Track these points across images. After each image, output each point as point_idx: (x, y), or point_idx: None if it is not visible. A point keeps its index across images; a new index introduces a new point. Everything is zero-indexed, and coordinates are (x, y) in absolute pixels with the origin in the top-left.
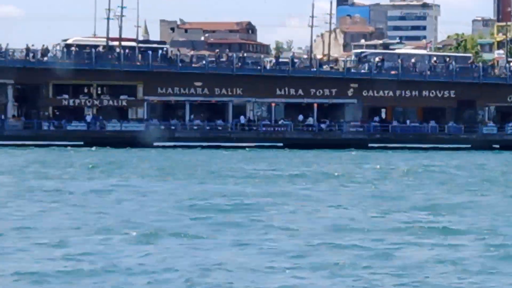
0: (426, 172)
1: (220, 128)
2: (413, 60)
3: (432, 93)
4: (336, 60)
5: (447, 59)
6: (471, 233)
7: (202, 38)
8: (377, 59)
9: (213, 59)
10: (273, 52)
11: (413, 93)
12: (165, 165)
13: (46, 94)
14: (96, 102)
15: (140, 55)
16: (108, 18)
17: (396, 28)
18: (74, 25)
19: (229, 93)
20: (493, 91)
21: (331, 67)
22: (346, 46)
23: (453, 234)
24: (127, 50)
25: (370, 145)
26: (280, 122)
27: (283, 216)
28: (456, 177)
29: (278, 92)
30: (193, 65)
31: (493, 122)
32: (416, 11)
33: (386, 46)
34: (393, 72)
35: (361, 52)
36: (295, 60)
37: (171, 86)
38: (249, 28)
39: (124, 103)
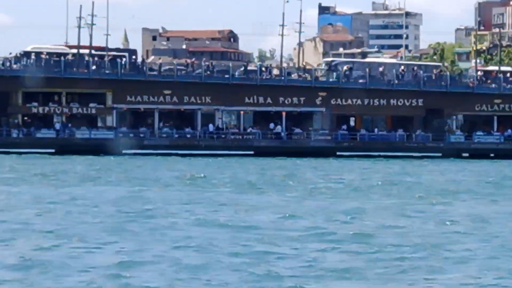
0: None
1: (188, 136)
2: (380, 69)
3: (400, 101)
4: (304, 69)
5: (415, 68)
6: None
7: (184, 47)
8: (345, 67)
9: (183, 67)
10: (256, 60)
11: (381, 101)
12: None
13: (16, 102)
14: (66, 110)
15: (109, 63)
16: (79, 27)
17: (379, 36)
18: (47, 34)
19: (198, 101)
20: (460, 100)
21: (299, 75)
22: (325, 55)
23: None
24: (96, 58)
25: (338, 153)
26: (248, 130)
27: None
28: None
29: (247, 100)
30: (161, 73)
31: (461, 131)
32: (398, 20)
33: (364, 55)
34: (361, 81)
35: (332, 61)
36: (263, 69)
37: (140, 94)
38: (231, 37)
39: (93, 111)
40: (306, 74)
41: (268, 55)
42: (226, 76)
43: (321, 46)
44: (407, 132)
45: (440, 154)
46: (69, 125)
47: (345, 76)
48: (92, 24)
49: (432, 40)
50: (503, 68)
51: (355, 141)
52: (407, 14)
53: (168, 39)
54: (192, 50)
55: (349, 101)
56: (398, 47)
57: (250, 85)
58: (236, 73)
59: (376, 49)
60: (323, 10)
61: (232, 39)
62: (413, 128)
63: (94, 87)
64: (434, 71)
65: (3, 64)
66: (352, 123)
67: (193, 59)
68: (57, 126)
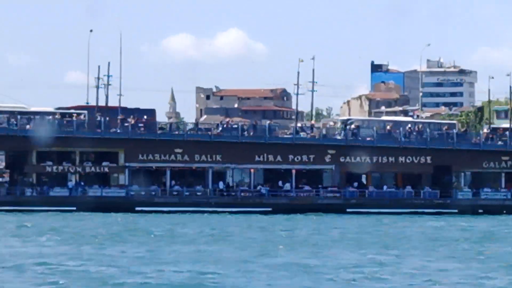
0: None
1: (199, 193)
2: (388, 127)
3: (409, 159)
4: (312, 126)
5: (420, 126)
6: None
7: (236, 105)
8: (352, 126)
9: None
10: (305, 118)
11: (390, 159)
12: None
13: (30, 161)
14: (79, 169)
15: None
16: (97, 87)
17: (433, 94)
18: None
19: (209, 160)
20: (468, 157)
21: (307, 134)
22: (371, 113)
23: None
24: (107, 118)
25: (348, 210)
26: (258, 188)
27: None
28: None
29: (257, 158)
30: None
31: (469, 188)
32: (453, 77)
33: (406, 112)
34: (368, 139)
35: (347, 119)
36: (272, 127)
37: (151, 152)
38: (284, 95)
39: (106, 169)
40: (315, 132)
41: (324, 113)
42: (235, 134)
43: (367, 104)
44: (416, 189)
45: (449, 210)
46: (82, 183)
47: (353, 134)
48: (108, 84)
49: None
50: None
51: (363, 197)
52: (462, 71)
53: (221, 98)
54: (244, 109)
55: (358, 159)
56: (453, 104)
57: (259, 143)
58: (245, 133)
59: (417, 107)
60: (375, 68)
61: (285, 98)
62: (421, 185)
63: (106, 146)
64: (444, 128)
65: (16, 124)
66: (364, 180)
67: (228, 119)
68: (70, 184)
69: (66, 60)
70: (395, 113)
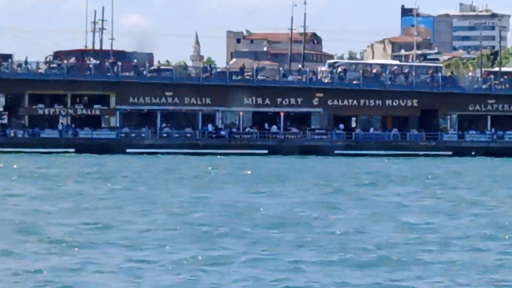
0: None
1: (188, 135)
2: (374, 71)
3: (395, 102)
4: (299, 70)
5: (407, 69)
6: None
7: (265, 49)
8: (339, 69)
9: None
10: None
11: (377, 102)
12: None
13: (23, 104)
14: (70, 111)
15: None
16: (94, 31)
17: (464, 38)
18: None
19: (198, 102)
20: (454, 100)
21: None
22: (395, 56)
23: None
24: (97, 61)
25: (335, 152)
26: (246, 130)
27: None
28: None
29: (245, 101)
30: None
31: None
32: (484, 21)
33: (425, 56)
34: (355, 82)
35: (334, 62)
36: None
37: (142, 95)
38: (314, 39)
39: (97, 112)
40: (302, 76)
41: (358, 56)
42: (223, 78)
43: (390, 47)
44: (403, 131)
45: (435, 152)
46: (73, 125)
47: (339, 77)
48: (102, 28)
49: None
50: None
51: (350, 140)
52: (494, 15)
53: (251, 41)
54: (273, 52)
55: (345, 102)
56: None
57: (247, 86)
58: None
59: (435, 51)
60: (405, 12)
61: (315, 41)
62: (409, 128)
63: (97, 89)
64: (429, 72)
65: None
66: (353, 123)
67: (242, 64)
68: (60, 126)
69: None
70: (414, 57)
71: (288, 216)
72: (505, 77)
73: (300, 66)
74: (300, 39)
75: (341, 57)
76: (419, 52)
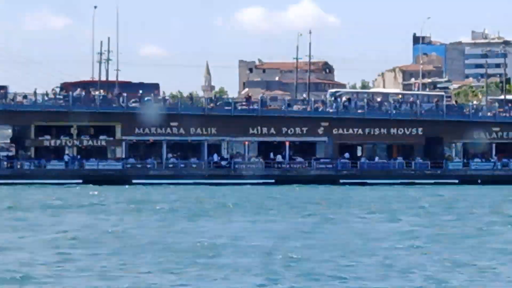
0: None
1: (194, 166)
2: (379, 99)
3: (400, 130)
4: (303, 100)
5: (411, 98)
6: None
7: (277, 78)
8: (344, 98)
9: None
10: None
11: (382, 130)
12: None
13: (29, 135)
14: (76, 142)
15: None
16: (100, 62)
17: (477, 66)
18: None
19: (204, 133)
20: (458, 128)
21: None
22: (405, 85)
23: None
24: (102, 93)
25: (341, 181)
26: (251, 160)
27: None
28: None
29: (250, 131)
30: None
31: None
32: (497, 48)
33: (435, 84)
34: (360, 111)
35: (336, 91)
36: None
37: (148, 126)
38: (326, 68)
39: (103, 143)
40: (307, 105)
41: (371, 85)
42: (228, 108)
43: (400, 76)
44: (408, 160)
45: (440, 181)
46: (78, 156)
47: (344, 107)
48: (108, 59)
49: None
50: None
51: (355, 169)
52: (506, 43)
53: (264, 71)
54: (285, 81)
55: (350, 131)
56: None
57: (253, 116)
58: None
59: (445, 79)
60: (417, 40)
61: (327, 70)
62: (414, 156)
63: (103, 120)
64: (434, 100)
65: (13, 100)
66: (359, 152)
67: (249, 92)
68: (66, 157)
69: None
70: (424, 85)
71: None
72: (510, 104)
73: (305, 95)
74: (313, 68)
75: (354, 86)
76: (429, 80)
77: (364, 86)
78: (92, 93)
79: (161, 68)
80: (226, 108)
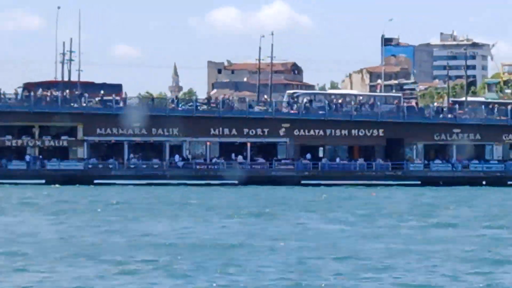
0: None
1: (155, 166)
2: (340, 101)
3: (361, 132)
4: (265, 101)
5: (371, 99)
6: None
7: (245, 79)
8: (305, 99)
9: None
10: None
11: (343, 132)
12: None
13: None
14: (38, 143)
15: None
16: (62, 62)
17: (445, 67)
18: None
19: (166, 133)
20: (419, 130)
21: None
22: (372, 86)
23: None
24: (64, 93)
25: (302, 181)
26: (213, 161)
27: None
28: None
29: (212, 132)
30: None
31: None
32: (465, 50)
33: (401, 86)
34: (321, 112)
35: (294, 93)
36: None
37: (110, 127)
38: (295, 69)
39: (65, 143)
40: (268, 106)
41: (340, 86)
42: (190, 109)
43: (368, 77)
44: (369, 161)
45: (400, 182)
46: (40, 156)
47: (305, 108)
48: (71, 59)
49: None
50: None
51: (316, 169)
52: (475, 44)
53: (232, 72)
54: (254, 82)
55: (312, 132)
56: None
57: (214, 117)
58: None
59: (412, 80)
60: (386, 41)
61: (295, 71)
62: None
63: (65, 121)
64: (395, 102)
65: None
66: (320, 153)
67: (214, 91)
68: (27, 158)
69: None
70: (391, 87)
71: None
72: (470, 106)
73: (266, 96)
74: (281, 69)
75: (323, 87)
76: (396, 82)
77: (333, 87)
78: (54, 93)
79: (133, 68)
80: (188, 109)
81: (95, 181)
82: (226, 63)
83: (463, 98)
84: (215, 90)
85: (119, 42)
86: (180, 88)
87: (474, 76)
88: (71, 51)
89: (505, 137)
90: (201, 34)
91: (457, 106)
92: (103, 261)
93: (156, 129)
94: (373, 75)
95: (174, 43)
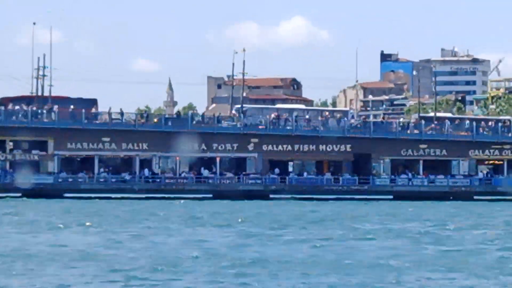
0: None
1: (125, 180)
2: (285, 115)
3: (329, 147)
4: (232, 116)
5: (326, 113)
6: None
7: (244, 94)
8: (272, 115)
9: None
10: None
11: (310, 147)
12: None
13: None
14: (9, 157)
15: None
16: (37, 77)
17: (446, 83)
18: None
19: (135, 148)
20: (386, 145)
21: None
22: (366, 102)
23: None
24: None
25: (271, 196)
26: (182, 175)
27: None
28: None
29: (182, 146)
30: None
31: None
32: (466, 66)
33: (391, 101)
34: (289, 128)
35: (241, 107)
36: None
37: (80, 141)
38: (294, 84)
39: (35, 157)
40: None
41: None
42: (159, 123)
43: (362, 93)
44: (337, 175)
45: (367, 196)
46: (11, 170)
47: (272, 123)
48: (44, 75)
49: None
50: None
51: (284, 184)
52: (475, 60)
53: (233, 87)
54: (253, 97)
55: (280, 147)
56: (466, 93)
57: (183, 132)
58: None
59: (403, 96)
60: (385, 57)
61: (294, 87)
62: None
63: (36, 135)
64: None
65: None
66: (290, 168)
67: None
68: None
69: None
70: (381, 102)
71: None
72: (436, 122)
73: (234, 112)
74: (280, 84)
75: (325, 103)
76: (386, 97)
77: (335, 102)
78: (25, 108)
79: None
80: (157, 124)
81: (65, 195)
82: (226, 78)
83: (432, 114)
84: (214, 105)
85: (140, 57)
86: (175, 103)
87: (474, 92)
88: (44, 67)
89: (471, 152)
90: (217, 48)
91: (423, 122)
92: None
93: (126, 143)
94: (367, 90)
95: (191, 59)
